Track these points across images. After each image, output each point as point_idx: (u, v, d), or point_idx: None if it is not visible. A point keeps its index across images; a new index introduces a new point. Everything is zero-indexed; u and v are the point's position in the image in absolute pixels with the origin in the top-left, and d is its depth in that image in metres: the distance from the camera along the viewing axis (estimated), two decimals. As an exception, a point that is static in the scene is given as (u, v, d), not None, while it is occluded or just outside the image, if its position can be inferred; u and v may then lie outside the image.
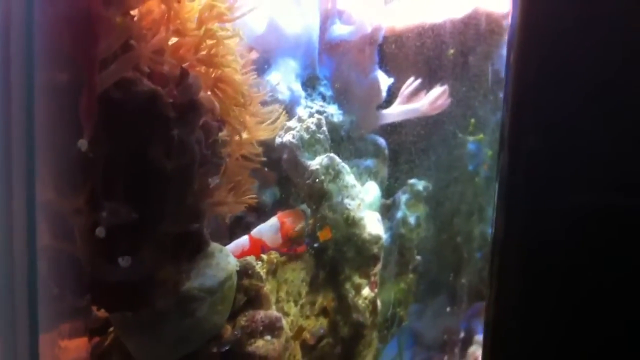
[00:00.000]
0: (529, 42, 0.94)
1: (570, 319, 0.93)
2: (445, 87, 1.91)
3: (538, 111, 0.93)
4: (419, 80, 1.92)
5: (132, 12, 1.05)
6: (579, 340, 0.93)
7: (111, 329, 1.32)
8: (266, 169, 1.56)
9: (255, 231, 1.51)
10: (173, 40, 1.12)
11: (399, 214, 1.89)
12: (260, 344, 1.30)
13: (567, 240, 0.92)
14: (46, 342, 1.11)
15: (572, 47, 0.91)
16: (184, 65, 1.11)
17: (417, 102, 1.90)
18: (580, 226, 0.92)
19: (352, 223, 1.57)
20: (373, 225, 1.60)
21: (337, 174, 1.57)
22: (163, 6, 1.07)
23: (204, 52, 1.13)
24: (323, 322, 1.58)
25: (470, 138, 2.00)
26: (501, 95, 1.94)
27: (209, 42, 1.13)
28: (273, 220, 1.54)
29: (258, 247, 1.48)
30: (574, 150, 0.91)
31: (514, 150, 0.95)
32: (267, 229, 1.52)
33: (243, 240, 1.48)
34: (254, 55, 1.41)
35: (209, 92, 1.18)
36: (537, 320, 0.95)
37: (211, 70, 1.17)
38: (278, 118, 1.42)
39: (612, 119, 0.90)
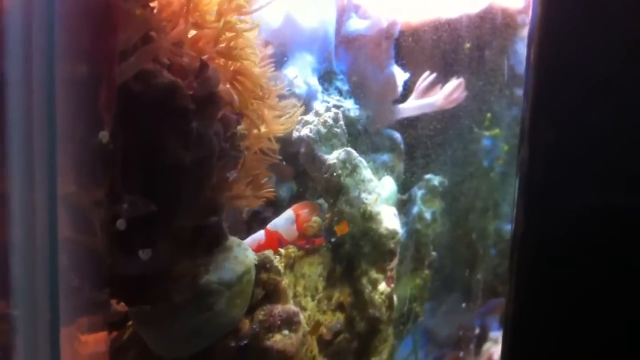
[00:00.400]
0: (549, 36, 0.93)
1: (591, 315, 0.93)
2: (460, 80, 1.90)
3: (558, 105, 0.93)
4: (434, 75, 1.91)
5: (152, 4, 1.05)
6: (600, 337, 0.93)
7: (130, 322, 1.32)
8: (283, 163, 1.56)
9: (270, 225, 1.51)
10: (192, 32, 1.12)
11: (415, 209, 1.89)
12: (278, 339, 1.29)
13: (588, 235, 0.92)
14: (66, 335, 1.11)
15: (592, 41, 0.90)
16: (204, 57, 1.11)
17: (433, 96, 1.90)
18: (601, 221, 0.91)
19: (368, 217, 1.57)
20: (390, 220, 1.60)
21: (354, 168, 1.56)
22: (182, -1, 1.07)
23: (223, 45, 1.13)
24: (340, 317, 1.58)
25: (486, 133, 1.99)
26: (516, 90, 1.94)
27: (228, 34, 1.13)
28: (288, 213, 1.54)
29: (275, 241, 1.48)
30: (595, 144, 0.91)
31: (534, 144, 0.95)
32: (283, 222, 1.52)
33: (259, 235, 1.48)
34: (270, 49, 1.40)
35: (227, 85, 1.18)
36: (558, 316, 0.94)
37: (230, 62, 1.17)
38: (295, 112, 1.41)
39: (636, 114, 0.89)
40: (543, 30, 0.94)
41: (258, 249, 1.41)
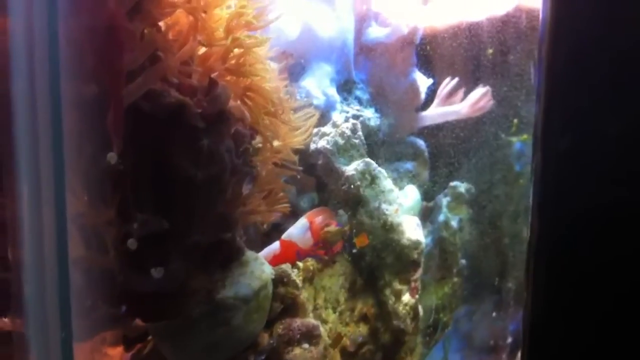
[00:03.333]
0: (560, 38, 0.91)
1: (610, 320, 0.91)
2: (487, 88, 1.87)
3: (571, 109, 0.91)
4: (455, 80, 1.88)
5: (159, 24, 1.06)
6: (618, 343, 0.91)
7: (150, 337, 1.33)
8: (303, 175, 1.55)
9: (285, 234, 1.50)
10: (202, 50, 1.12)
11: (441, 217, 1.85)
12: (298, 352, 1.29)
13: (604, 240, 0.90)
14: (87, 350, 1.13)
15: (604, 42, 0.88)
16: (213, 75, 1.11)
17: (458, 103, 1.87)
18: (617, 227, 0.89)
19: (390, 229, 1.55)
20: (412, 231, 1.57)
21: (374, 179, 1.55)
22: (190, 17, 1.08)
23: (232, 62, 1.13)
24: (363, 328, 1.56)
25: (514, 139, 1.95)
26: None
27: (237, 51, 1.13)
28: (302, 221, 1.53)
29: (291, 251, 1.46)
30: (609, 148, 0.89)
31: (548, 149, 0.93)
32: (297, 230, 1.51)
33: (274, 246, 1.47)
34: (290, 60, 1.40)
35: (238, 102, 1.18)
36: (575, 321, 0.93)
37: (240, 79, 1.17)
38: (310, 124, 1.41)
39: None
40: (554, 31, 0.92)
41: (274, 260, 1.41)
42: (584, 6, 0.89)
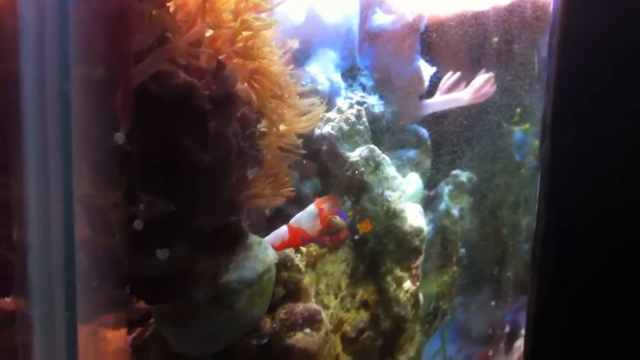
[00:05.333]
0: (571, 30, 0.91)
1: (614, 313, 0.91)
2: (490, 74, 1.87)
3: (581, 101, 0.90)
4: (457, 74, 1.87)
5: (167, 5, 1.05)
6: (622, 337, 0.91)
7: (151, 320, 1.33)
8: (306, 161, 1.55)
9: (293, 220, 1.50)
10: (209, 32, 1.12)
11: (442, 206, 1.86)
12: (300, 337, 1.29)
13: (611, 234, 0.90)
14: (88, 332, 1.13)
15: (616, 35, 0.88)
16: (221, 57, 1.11)
17: (461, 91, 1.87)
18: (624, 219, 0.89)
19: (392, 215, 1.55)
20: (414, 218, 1.57)
21: (377, 166, 1.54)
22: (199, -2, 1.07)
23: (240, 44, 1.12)
24: (364, 315, 1.56)
25: (516, 128, 1.95)
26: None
27: (245, 33, 1.12)
28: (311, 208, 1.52)
29: (298, 237, 1.46)
30: (619, 141, 0.88)
31: (557, 140, 0.93)
32: (305, 216, 1.51)
33: (282, 231, 1.47)
34: (294, 46, 1.40)
35: (245, 84, 1.17)
36: (580, 315, 0.93)
37: (248, 62, 1.16)
38: (317, 110, 1.40)
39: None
40: (565, 24, 0.91)
41: (282, 245, 1.40)
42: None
